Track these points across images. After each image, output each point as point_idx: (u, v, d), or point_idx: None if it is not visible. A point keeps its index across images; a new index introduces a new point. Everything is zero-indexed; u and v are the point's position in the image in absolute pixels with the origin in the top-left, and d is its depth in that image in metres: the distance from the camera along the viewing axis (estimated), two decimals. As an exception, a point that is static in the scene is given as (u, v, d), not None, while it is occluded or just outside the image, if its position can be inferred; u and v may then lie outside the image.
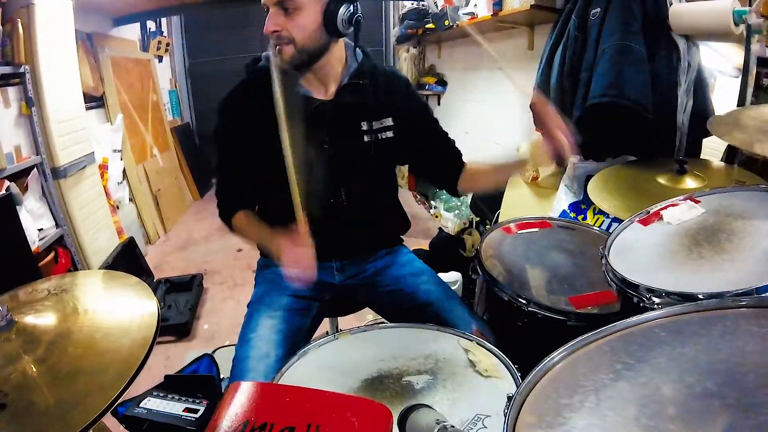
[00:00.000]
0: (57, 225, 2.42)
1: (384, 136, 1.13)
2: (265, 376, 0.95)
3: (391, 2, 4.46)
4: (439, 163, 1.23)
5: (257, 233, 1.15)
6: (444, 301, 1.15)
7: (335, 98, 1.10)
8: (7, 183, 2.05)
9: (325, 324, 1.37)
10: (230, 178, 1.19)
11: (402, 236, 1.33)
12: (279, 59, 1.00)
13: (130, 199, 3.45)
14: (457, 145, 1.25)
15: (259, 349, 1.02)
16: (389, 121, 1.13)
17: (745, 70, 1.38)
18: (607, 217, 1.67)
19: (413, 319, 1.08)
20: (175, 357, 2.14)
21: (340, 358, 0.93)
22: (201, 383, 1.30)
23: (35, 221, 2.26)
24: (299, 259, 0.96)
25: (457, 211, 3.42)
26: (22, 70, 2.22)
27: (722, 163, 1.42)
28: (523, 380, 0.59)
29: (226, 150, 1.17)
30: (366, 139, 1.12)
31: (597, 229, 1.42)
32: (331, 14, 0.99)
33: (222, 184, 1.21)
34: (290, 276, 0.98)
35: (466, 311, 1.13)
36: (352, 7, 1.02)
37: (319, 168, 1.11)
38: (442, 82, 3.91)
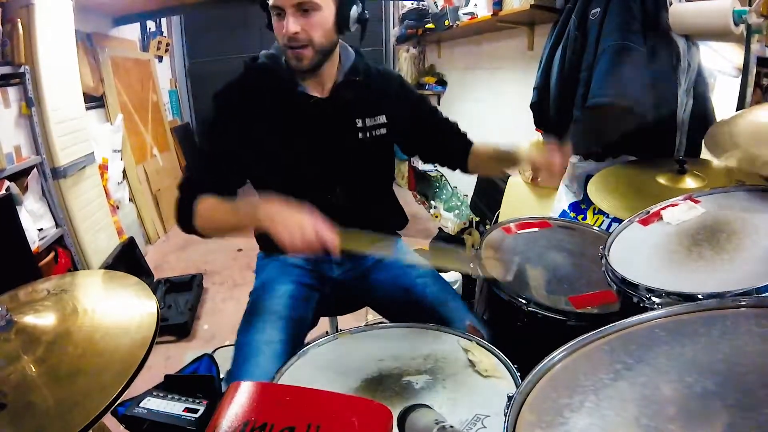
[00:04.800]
0: (57, 225, 2.42)
1: (378, 133, 1.15)
2: (271, 360, 0.95)
3: (391, 2, 4.46)
4: (446, 148, 1.27)
5: (232, 208, 1.01)
6: (440, 294, 1.15)
7: (331, 96, 1.11)
8: (7, 183, 2.05)
9: (325, 324, 1.37)
10: (206, 169, 1.11)
11: (399, 232, 1.33)
12: (297, 64, 1.02)
13: (130, 199, 3.45)
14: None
15: (264, 333, 1.02)
16: (383, 119, 1.15)
17: (745, 70, 1.38)
18: (607, 217, 1.67)
19: (409, 312, 1.08)
20: (175, 357, 2.14)
21: (340, 358, 0.93)
22: (201, 383, 1.30)
23: (35, 221, 2.26)
24: (296, 219, 0.85)
25: (456, 211, 3.42)
26: (21, 70, 2.22)
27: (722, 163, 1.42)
28: (523, 380, 0.59)
29: (214, 141, 1.12)
30: (360, 136, 1.13)
31: (597, 229, 1.42)
32: (344, 13, 1.02)
33: (193, 175, 1.14)
34: (291, 242, 0.83)
35: (461, 305, 1.13)
36: (360, 6, 1.04)
37: (313, 165, 1.11)
38: (442, 82, 3.90)
